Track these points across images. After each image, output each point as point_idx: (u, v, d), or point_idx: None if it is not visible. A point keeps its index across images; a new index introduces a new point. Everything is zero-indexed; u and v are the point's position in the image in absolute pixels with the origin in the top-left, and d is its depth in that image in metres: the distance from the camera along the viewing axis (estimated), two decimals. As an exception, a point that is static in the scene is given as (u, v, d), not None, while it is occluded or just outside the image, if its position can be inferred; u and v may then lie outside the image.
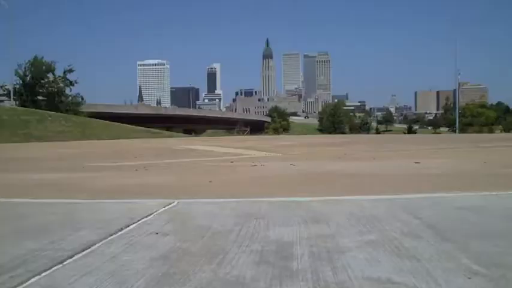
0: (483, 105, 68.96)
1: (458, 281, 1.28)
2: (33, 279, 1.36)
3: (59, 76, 35.35)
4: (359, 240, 1.71)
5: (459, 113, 48.58)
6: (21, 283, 1.34)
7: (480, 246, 1.60)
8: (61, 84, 35.14)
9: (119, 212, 2.32)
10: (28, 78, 34.71)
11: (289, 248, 1.64)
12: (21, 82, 34.79)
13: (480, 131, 45.44)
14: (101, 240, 1.79)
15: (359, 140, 10.57)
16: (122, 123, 28.28)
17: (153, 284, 1.31)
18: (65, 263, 1.52)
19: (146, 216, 2.20)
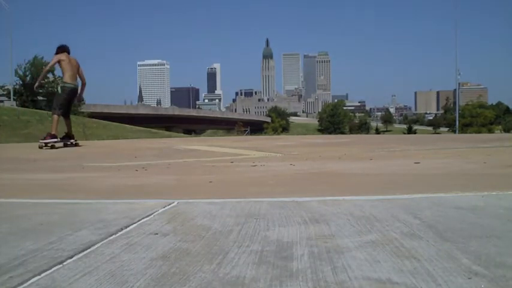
0: (482, 105, 68.94)
1: (458, 281, 1.28)
2: (33, 280, 1.37)
3: (59, 76, 35.33)
4: (359, 240, 1.71)
5: (459, 113, 48.59)
6: (21, 283, 1.34)
7: (480, 247, 1.60)
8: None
9: (119, 212, 2.32)
10: (28, 78, 34.73)
11: (289, 248, 1.64)
12: (21, 82, 34.81)
13: (479, 131, 45.42)
14: (100, 241, 1.79)
15: (359, 140, 10.56)
16: (122, 123, 28.32)
17: (153, 284, 1.31)
18: (64, 263, 1.52)
19: (146, 217, 2.20)
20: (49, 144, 7.73)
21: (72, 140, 8.32)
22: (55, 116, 8.00)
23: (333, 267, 1.41)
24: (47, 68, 8.55)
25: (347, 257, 1.51)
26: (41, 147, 7.75)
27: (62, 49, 8.11)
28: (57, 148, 7.83)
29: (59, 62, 7.98)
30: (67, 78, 7.99)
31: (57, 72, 34.33)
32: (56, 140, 7.85)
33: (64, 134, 8.32)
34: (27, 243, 1.76)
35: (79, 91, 8.36)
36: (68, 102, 8.22)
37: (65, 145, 8.14)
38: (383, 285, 1.27)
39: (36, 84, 9.19)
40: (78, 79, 8.31)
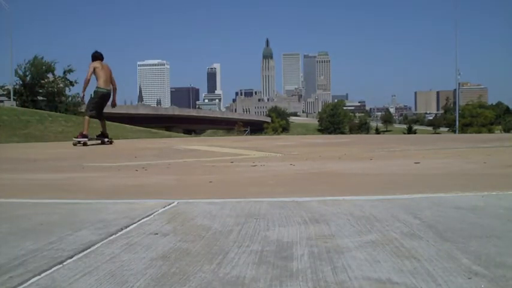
0: (482, 105, 68.97)
1: (458, 281, 1.28)
2: (33, 280, 1.37)
3: (59, 76, 35.36)
4: (359, 240, 1.71)
5: (459, 113, 48.62)
6: (21, 283, 1.34)
7: (480, 247, 1.60)
8: (61, 85, 35.15)
9: (119, 212, 2.32)
10: (28, 78, 34.72)
11: (289, 248, 1.63)
12: (21, 82, 34.80)
13: (479, 131, 45.41)
14: (100, 241, 1.79)
15: (359, 140, 10.56)
16: (122, 123, 28.26)
17: (153, 284, 1.31)
18: (64, 263, 1.52)
19: (146, 217, 2.20)
20: (81, 142, 8.44)
21: (107, 139, 9.10)
22: (86, 117, 8.78)
23: (333, 267, 1.41)
24: (87, 77, 9.12)
25: (347, 257, 1.51)
26: (75, 144, 8.46)
27: (96, 57, 8.86)
28: (88, 145, 8.45)
29: (94, 69, 8.65)
30: (101, 83, 8.69)
31: (58, 72, 34.31)
32: (86, 139, 8.51)
33: (100, 133, 9.19)
34: (27, 243, 1.76)
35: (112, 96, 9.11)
36: (100, 105, 8.90)
37: (102, 142, 8.97)
38: (383, 285, 1.27)
39: (81, 94, 9.93)
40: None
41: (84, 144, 8.38)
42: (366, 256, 1.51)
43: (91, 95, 8.89)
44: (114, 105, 9.35)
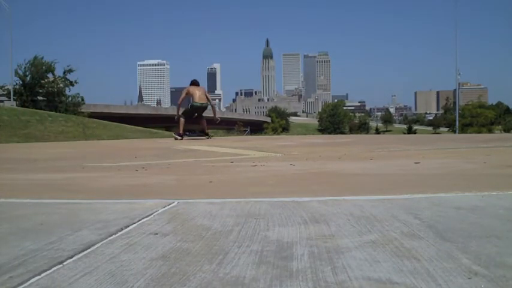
0: (482, 105, 69.00)
1: (458, 281, 1.28)
2: (33, 280, 1.37)
3: (59, 76, 35.38)
4: (359, 240, 1.71)
5: (459, 113, 48.63)
6: (21, 283, 1.34)
7: (480, 247, 1.60)
8: (61, 85, 35.16)
9: (119, 212, 2.32)
10: (28, 78, 34.74)
11: (289, 248, 1.63)
12: (21, 82, 34.82)
13: (479, 131, 45.42)
14: (100, 241, 1.79)
15: (359, 140, 10.56)
16: (122, 123, 28.30)
17: (153, 284, 1.31)
18: (64, 263, 1.52)
19: (146, 217, 2.20)
20: (178, 138, 10.88)
21: (206, 136, 11.42)
22: (181, 120, 11.12)
23: (332, 267, 1.41)
24: (179, 101, 11.62)
25: (347, 257, 1.51)
26: (175, 139, 10.85)
27: (192, 83, 11.49)
28: (183, 139, 10.69)
29: (187, 92, 11.20)
30: (195, 98, 11.10)
31: (58, 72, 34.37)
32: (181, 137, 10.94)
33: (201, 131, 11.79)
34: (27, 243, 1.76)
35: (209, 111, 11.79)
36: (192, 114, 11.34)
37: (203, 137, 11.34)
38: (383, 285, 1.27)
39: (177, 116, 11.69)
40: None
41: (181, 139, 10.70)
42: (365, 256, 1.51)
43: (189, 105, 11.18)
44: (216, 119, 11.73)
